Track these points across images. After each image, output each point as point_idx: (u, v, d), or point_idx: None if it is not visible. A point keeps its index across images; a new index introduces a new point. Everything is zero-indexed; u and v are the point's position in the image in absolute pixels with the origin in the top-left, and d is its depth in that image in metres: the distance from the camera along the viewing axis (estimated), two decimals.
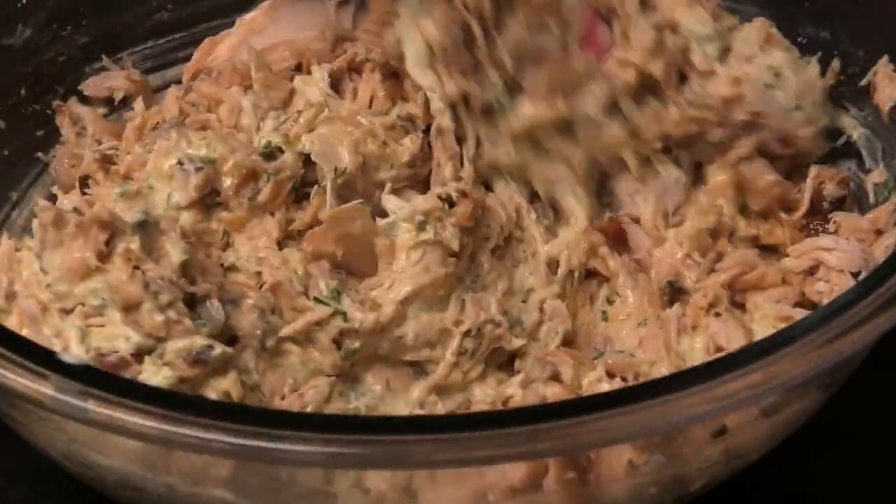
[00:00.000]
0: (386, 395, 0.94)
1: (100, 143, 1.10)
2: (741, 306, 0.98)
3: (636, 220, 1.04)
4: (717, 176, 1.04)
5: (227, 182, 0.96)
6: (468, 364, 0.95)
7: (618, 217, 1.04)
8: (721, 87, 1.03)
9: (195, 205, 0.96)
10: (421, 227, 0.94)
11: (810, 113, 1.04)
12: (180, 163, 0.96)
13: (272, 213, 0.98)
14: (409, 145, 1.00)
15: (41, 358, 0.73)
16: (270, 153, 0.98)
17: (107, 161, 1.06)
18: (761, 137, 1.04)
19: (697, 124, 1.04)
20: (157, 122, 1.07)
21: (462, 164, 1.01)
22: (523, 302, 1.00)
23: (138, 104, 1.12)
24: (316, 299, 0.93)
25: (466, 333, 0.95)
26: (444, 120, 1.01)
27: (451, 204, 0.96)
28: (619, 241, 1.03)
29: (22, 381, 0.71)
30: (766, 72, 1.04)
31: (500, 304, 0.97)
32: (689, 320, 0.96)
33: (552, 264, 1.02)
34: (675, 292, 0.99)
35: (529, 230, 1.03)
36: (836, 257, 0.97)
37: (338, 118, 1.01)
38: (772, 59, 1.04)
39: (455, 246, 0.94)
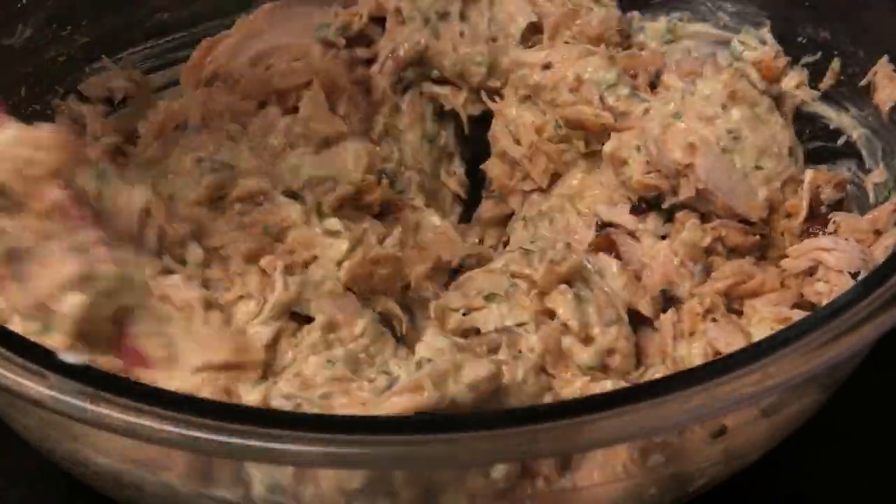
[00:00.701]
0: None
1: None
2: (738, 313, 0.98)
3: (631, 234, 1.04)
4: (689, 232, 1.01)
5: (236, 192, 0.98)
6: None
7: (609, 232, 1.04)
8: (676, 150, 1.01)
9: (204, 203, 0.97)
10: None
11: (771, 170, 1.02)
12: (200, 160, 0.98)
13: None
14: None
15: (41, 358, 0.73)
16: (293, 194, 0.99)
17: (119, 153, 1.06)
18: (708, 209, 1.02)
19: (655, 189, 1.03)
20: (178, 125, 1.07)
21: None
22: None
23: (164, 102, 1.10)
24: None
25: None
26: None
27: None
28: (611, 254, 1.02)
29: (22, 381, 0.71)
30: (724, 136, 1.01)
31: None
32: (686, 326, 0.95)
33: None
34: (667, 301, 0.98)
35: None
36: (835, 258, 0.97)
37: None
38: (732, 120, 1.02)
39: None
